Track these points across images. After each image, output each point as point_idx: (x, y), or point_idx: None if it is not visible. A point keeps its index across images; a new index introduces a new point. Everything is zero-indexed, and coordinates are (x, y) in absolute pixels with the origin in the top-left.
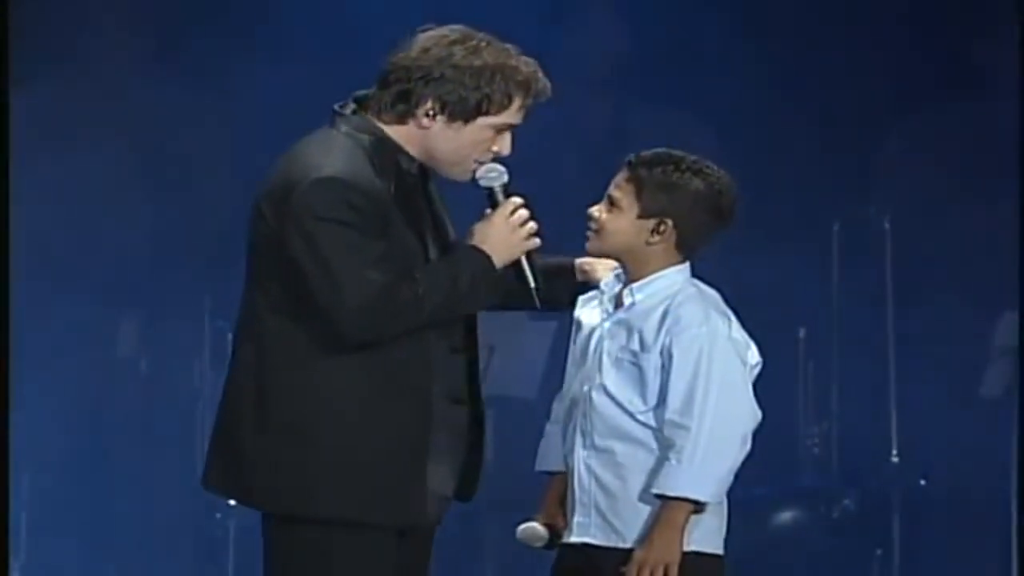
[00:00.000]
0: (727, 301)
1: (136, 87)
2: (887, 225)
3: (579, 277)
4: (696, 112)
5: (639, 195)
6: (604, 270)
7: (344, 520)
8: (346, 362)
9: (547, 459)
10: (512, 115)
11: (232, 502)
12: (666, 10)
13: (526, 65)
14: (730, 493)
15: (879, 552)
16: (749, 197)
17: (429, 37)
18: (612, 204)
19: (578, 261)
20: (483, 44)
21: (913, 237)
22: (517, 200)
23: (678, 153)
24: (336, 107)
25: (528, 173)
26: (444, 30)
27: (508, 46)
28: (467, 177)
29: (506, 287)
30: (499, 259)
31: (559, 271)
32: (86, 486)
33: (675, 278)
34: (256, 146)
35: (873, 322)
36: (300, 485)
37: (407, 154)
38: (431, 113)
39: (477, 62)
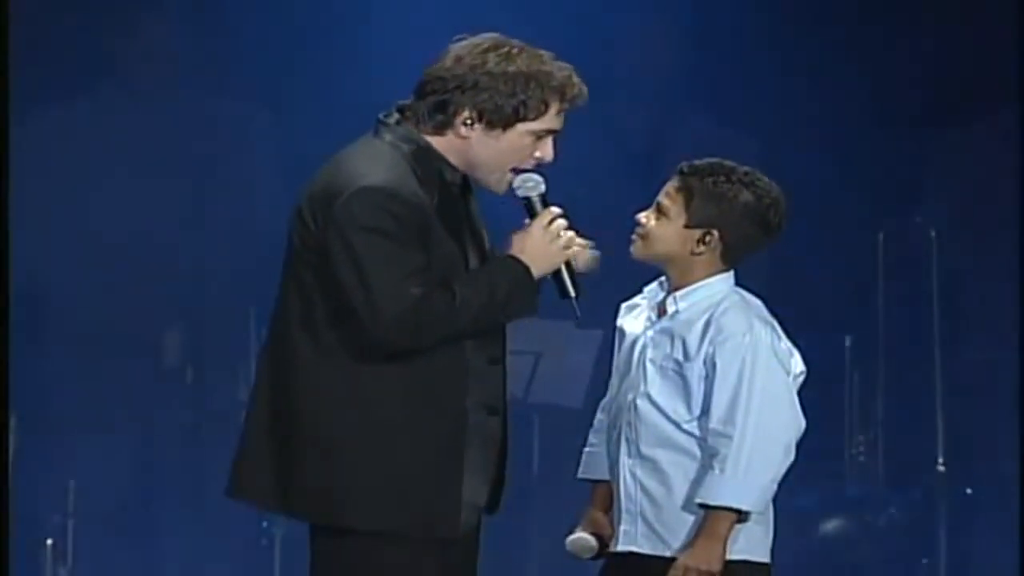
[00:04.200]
0: (771, 310)
1: (178, 98)
2: (933, 234)
3: None
4: (740, 120)
5: (688, 204)
6: None
7: (376, 531)
8: (382, 372)
9: (591, 468)
10: (551, 120)
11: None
12: (712, 18)
13: (560, 70)
14: (776, 501)
15: (925, 561)
16: (795, 206)
17: (462, 46)
18: (660, 211)
19: None
20: (516, 51)
21: (959, 246)
22: (555, 210)
23: (730, 164)
24: (380, 116)
25: (568, 179)
26: (477, 39)
27: (542, 52)
28: (505, 188)
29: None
30: (537, 269)
31: None
32: (132, 496)
33: (719, 287)
34: (301, 154)
35: (919, 331)
36: (334, 496)
37: (450, 164)
38: (469, 122)
39: (511, 68)
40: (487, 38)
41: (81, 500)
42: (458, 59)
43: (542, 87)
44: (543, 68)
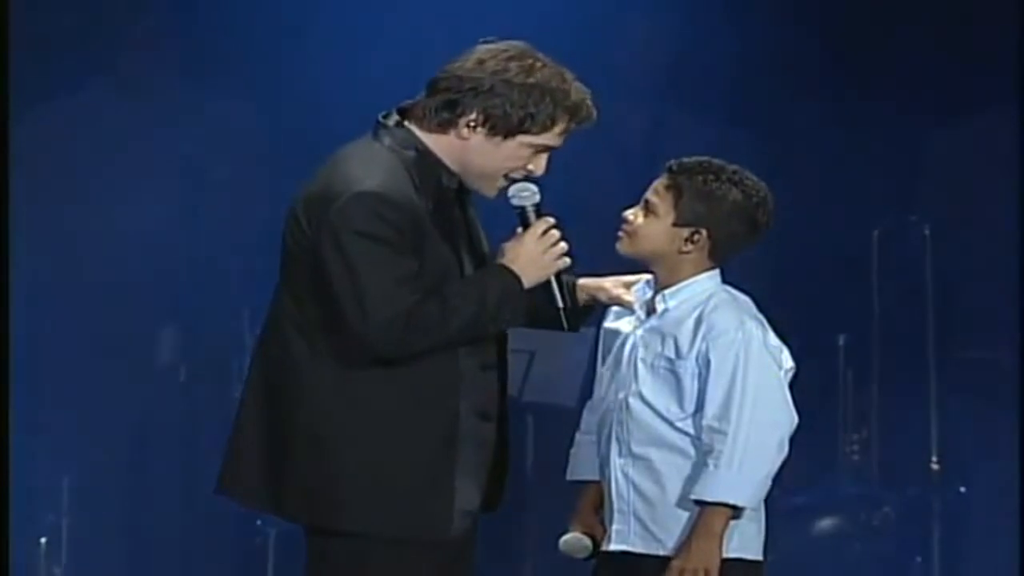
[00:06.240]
0: (766, 308)
1: (176, 98)
2: (927, 232)
3: (580, 297)
4: (735, 119)
5: (677, 203)
6: (612, 287)
7: (368, 534)
8: (374, 375)
9: (579, 468)
10: (552, 137)
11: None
12: (707, 18)
13: (577, 91)
14: (770, 499)
15: (919, 560)
16: (790, 205)
17: (488, 50)
18: (648, 209)
19: (580, 281)
20: (539, 64)
21: (953, 245)
22: (549, 220)
23: (718, 162)
24: (380, 117)
25: (560, 178)
26: (503, 44)
27: (564, 70)
28: (494, 193)
29: (534, 307)
30: (528, 279)
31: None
32: (126, 494)
33: (707, 284)
34: (297, 153)
35: (913, 329)
36: (324, 498)
37: (447, 169)
38: (472, 124)
39: (530, 80)
40: (513, 46)
41: (75, 499)
42: (480, 62)
43: (555, 104)
44: (562, 87)
